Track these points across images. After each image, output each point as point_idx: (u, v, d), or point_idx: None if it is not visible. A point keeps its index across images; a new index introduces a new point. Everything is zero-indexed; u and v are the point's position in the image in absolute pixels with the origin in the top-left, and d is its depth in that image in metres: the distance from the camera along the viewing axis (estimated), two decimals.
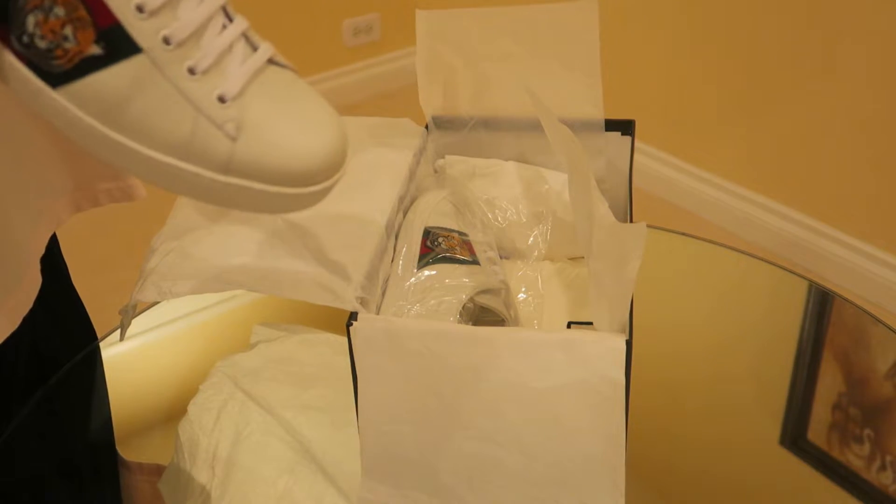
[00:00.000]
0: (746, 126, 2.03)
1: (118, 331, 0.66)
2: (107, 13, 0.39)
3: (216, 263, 0.64)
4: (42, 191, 0.67)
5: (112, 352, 0.87)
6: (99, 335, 0.87)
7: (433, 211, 0.70)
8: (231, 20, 0.42)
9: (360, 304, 0.59)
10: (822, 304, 0.96)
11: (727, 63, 2.02)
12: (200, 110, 0.40)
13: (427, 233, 0.68)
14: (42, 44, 0.40)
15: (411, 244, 0.67)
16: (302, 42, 2.69)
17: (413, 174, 0.73)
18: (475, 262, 0.68)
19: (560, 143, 0.67)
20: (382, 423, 0.60)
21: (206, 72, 0.40)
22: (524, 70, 0.78)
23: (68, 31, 0.39)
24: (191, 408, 0.76)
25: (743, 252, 1.00)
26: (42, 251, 0.67)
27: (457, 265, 0.66)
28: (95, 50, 0.39)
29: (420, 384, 0.58)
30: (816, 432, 0.81)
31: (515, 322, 0.70)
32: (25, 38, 0.40)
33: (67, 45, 0.39)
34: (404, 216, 0.70)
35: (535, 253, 0.79)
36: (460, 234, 0.70)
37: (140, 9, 0.39)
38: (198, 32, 0.40)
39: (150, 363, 0.91)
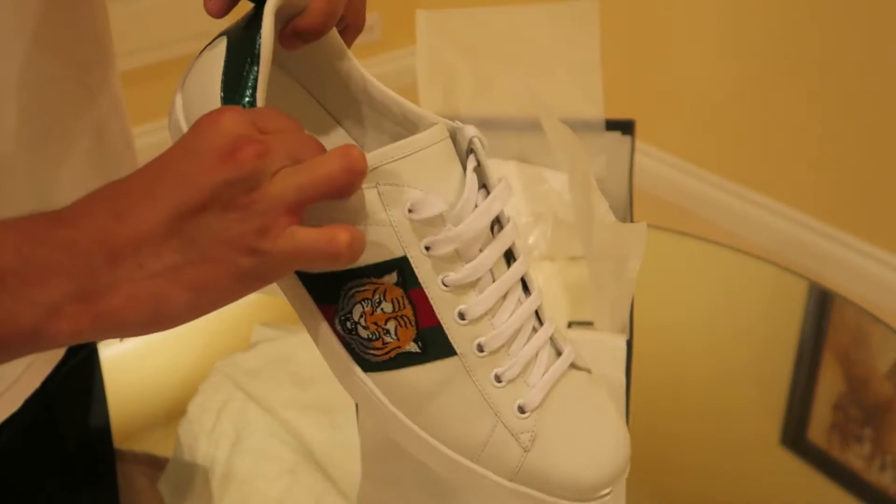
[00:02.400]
0: (746, 125, 2.03)
1: None
2: (431, 315, 0.40)
3: None
4: None
5: (112, 352, 0.86)
6: None
7: None
8: (542, 323, 0.42)
9: None
10: (822, 303, 0.96)
11: (726, 62, 2.02)
12: (500, 417, 0.41)
13: None
14: (364, 333, 0.41)
15: None
16: None
17: None
18: None
19: (560, 143, 0.67)
20: None
21: (511, 381, 0.41)
22: (524, 70, 0.78)
23: (391, 326, 0.40)
24: (191, 408, 0.76)
25: (743, 252, 1.00)
26: None
27: None
28: (413, 347, 0.41)
29: None
30: (816, 432, 0.81)
31: None
32: (349, 324, 0.41)
33: (387, 339, 0.41)
34: None
35: (535, 253, 0.79)
36: None
37: (462, 315, 0.40)
38: (509, 341, 0.41)
39: (150, 363, 0.91)
